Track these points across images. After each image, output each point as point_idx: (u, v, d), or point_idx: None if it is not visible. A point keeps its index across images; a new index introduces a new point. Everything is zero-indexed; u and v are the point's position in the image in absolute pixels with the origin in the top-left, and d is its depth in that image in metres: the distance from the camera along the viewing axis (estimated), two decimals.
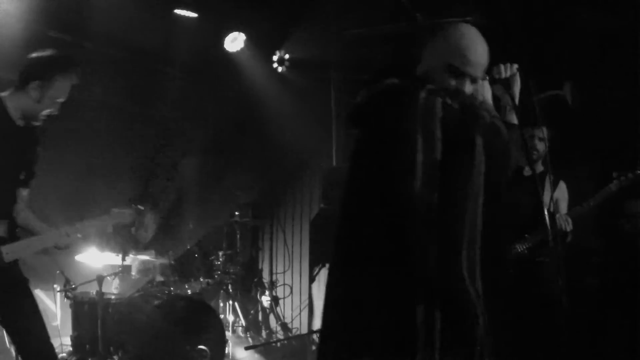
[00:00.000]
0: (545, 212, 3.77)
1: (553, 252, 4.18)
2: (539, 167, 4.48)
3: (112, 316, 4.84)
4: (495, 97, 2.59)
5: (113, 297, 5.10)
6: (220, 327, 4.98)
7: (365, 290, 2.18)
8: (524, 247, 4.24)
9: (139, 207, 4.01)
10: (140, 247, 5.97)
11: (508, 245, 4.24)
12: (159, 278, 5.54)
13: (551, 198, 4.41)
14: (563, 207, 4.52)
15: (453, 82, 2.40)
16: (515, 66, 2.64)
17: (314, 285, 6.53)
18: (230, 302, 6.02)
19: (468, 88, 2.43)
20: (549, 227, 3.92)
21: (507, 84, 2.59)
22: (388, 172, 2.22)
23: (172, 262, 5.75)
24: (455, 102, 2.35)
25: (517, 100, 2.60)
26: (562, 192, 4.56)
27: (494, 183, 2.34)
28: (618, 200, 4.53)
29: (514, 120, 2.59)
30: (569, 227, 4.27)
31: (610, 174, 4.36)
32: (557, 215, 4.32)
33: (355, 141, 2.41)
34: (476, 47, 2.44)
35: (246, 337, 5.94)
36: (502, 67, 2.61)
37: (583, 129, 5.20)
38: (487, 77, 2.57)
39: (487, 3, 5.57)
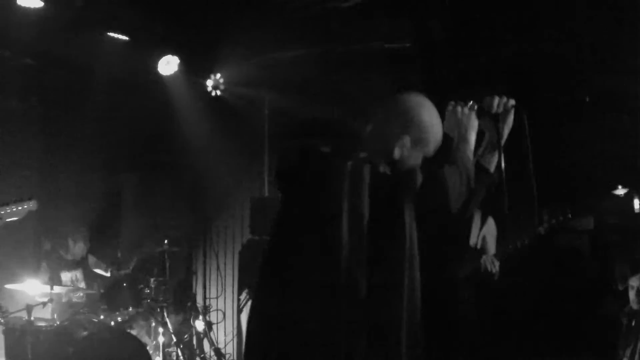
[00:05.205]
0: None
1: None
2: None
3: (42, 344, 4.81)
4: (480, 132, 2.36)
5: (44, 324, 5.04)
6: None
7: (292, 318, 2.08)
8: None
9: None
10: (72, 265, 5.80)
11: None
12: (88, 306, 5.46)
13: (478, 235, 4.32)
14: (491, 244, 4.37)
15: (403, 153, 2.22)
16: (512, 102, 2.35)
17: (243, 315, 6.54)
18: (161, 329, 5.87)
19: (417, 160, 2.25)
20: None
21: (496, 119, 2.34)
22: (316, 239, 2.09)
23: (102, 290, 5.63)
24: (386, 168, 2.19)
25: (502, 141, 2.33)
26: (490, 229, 4.40)
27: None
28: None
29: (491, 163, 2.35)
30: (494, 269, 4.13)
31: (541, 213, 4.18)
32: (484, 257, 4.19)
33: (284, 196, 2.26)
34: (433, 125, 2.26)
35: None
36: (495, 100, 2.34)
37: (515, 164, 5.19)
38: (476, 107, 2.35)
39: (415, 27, 5.64)
